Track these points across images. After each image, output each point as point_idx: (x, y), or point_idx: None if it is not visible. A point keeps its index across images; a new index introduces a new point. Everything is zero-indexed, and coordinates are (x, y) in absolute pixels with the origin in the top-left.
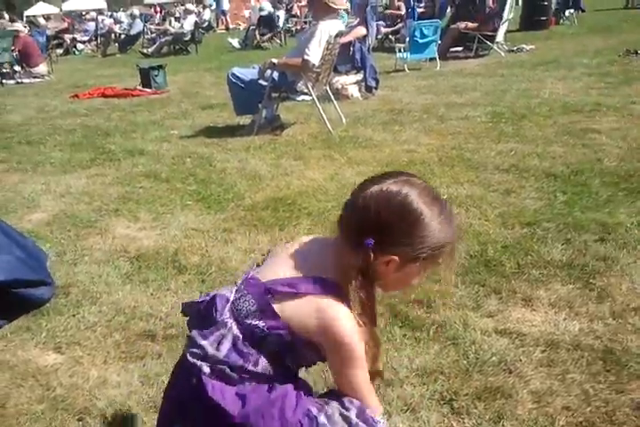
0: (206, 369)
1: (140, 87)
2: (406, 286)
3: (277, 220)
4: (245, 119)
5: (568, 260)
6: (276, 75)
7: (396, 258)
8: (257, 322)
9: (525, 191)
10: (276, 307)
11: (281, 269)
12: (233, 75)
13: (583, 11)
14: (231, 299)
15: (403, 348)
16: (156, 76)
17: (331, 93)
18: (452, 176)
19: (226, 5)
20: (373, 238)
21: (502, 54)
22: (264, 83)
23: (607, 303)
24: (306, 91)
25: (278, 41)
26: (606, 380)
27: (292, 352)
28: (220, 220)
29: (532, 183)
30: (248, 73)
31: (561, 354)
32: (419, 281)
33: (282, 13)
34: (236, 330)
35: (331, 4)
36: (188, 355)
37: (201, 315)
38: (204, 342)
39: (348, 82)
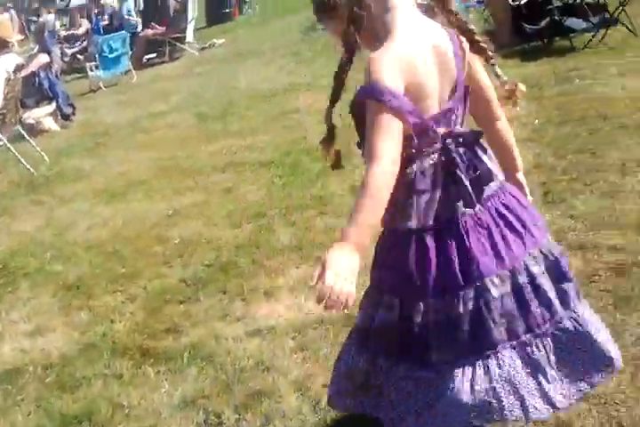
0: None
1: None
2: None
3: None
4: None
5: (298, 241)
6: None
7: None
8: None
9: (245, 185)
10: None
11: None
12: None
13: None
14: None
15: (161, 385)
16: None
17: (24, 131)
18: (173, 188)
19: None
20: None
21: (196, 53)
22: None
23: None
24: None
25: None
26: None
27: None
28: None
29: (250, 175)
30: None
31: (310, 335)
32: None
33: None
34: None
35: (2, 38)
36: None
37: None
38: None
39: (42, 114)
